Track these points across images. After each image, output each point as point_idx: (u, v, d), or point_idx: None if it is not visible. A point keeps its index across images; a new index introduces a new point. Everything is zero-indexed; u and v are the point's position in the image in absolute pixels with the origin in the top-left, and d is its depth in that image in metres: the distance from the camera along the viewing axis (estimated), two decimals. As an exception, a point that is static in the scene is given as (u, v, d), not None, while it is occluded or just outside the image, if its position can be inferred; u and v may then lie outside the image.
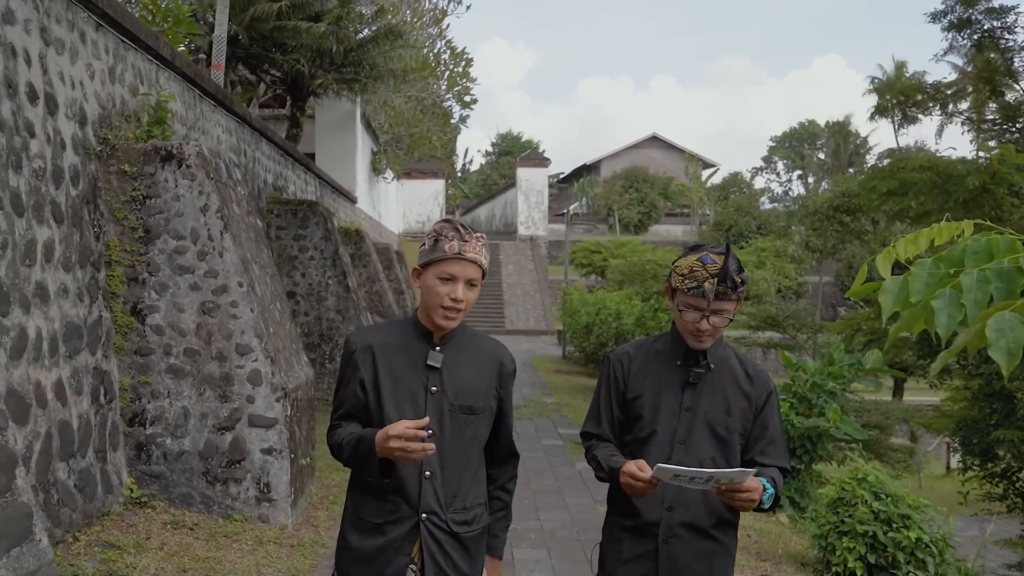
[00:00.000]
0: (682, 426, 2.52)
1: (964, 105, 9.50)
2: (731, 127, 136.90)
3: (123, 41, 6.24)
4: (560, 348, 21.64)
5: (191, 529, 5.38)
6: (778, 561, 5.71)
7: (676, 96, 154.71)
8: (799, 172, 73.22)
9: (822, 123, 67.43)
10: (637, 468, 2.35)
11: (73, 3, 5.38)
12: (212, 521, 5.55)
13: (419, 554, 2.35)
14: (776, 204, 57.38)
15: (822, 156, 67.26)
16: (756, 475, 2.38)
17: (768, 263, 21.01)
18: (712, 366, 2.54)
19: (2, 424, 2.40)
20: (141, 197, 5.71)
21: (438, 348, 2.42)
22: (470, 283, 2.37)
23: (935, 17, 8.97)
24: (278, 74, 17.95)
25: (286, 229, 11.13)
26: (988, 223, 1.70)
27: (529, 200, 33.92)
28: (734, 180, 53.93)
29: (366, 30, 18.62)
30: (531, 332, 24.40)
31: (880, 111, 10.15)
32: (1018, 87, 8.99)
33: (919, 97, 9.48)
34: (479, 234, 2.44)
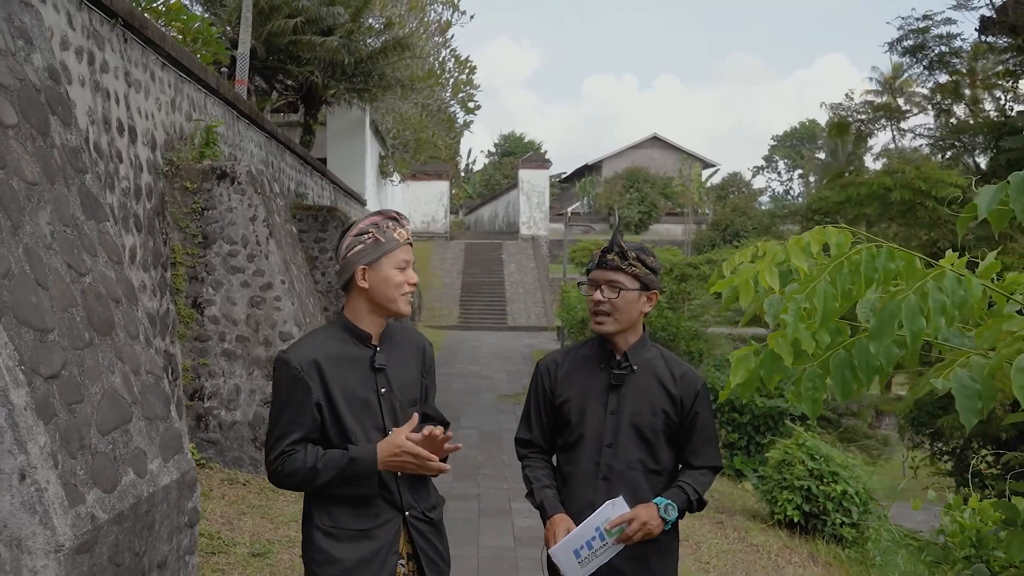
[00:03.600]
0: (608, 429, 2.55)
1: (918, 121, 10.50)
2: (734, 126, 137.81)
3: (180, 75, 7.35)
4: (559, 343, 22.71)
5: (243, 485, 6.49)
6: (732, 514, 6.80)
7: (680, 95, 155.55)
8: (800, 171, 74.00)
9: (823, 122, 68.39)
10: (555, 534, 2.48)
11: (147, 48, 6.49)
12: (261, 479, 6.65)
13: (405, 549, 2.40)
14: (775, 204, 58.24)
15: (822, 156, 68.19)
16: (667, 490, 2.54)
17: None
18: (635, 368, 2.57)
19: (160, 374, 3.48)
20: (200, 209, 6.82)
21: (379, 349, 2.43)
22: (413, 266, 2.44)
23: (892, 45, 10.06)
24: (292, 84, 19.01)
25: (308, 232, 12.23)
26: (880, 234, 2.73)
27: (531, 201, 34.90)
28: (733, 180, 54.87)
29: (375, 42, 19.63)
30: (532, 328, 25.41)
31: (839, 130, 11.16)
32: (966, 105, 10.06)
33: (871, 115, 10.54)
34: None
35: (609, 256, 2.52)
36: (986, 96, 9.57)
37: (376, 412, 2.38)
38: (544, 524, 2.58)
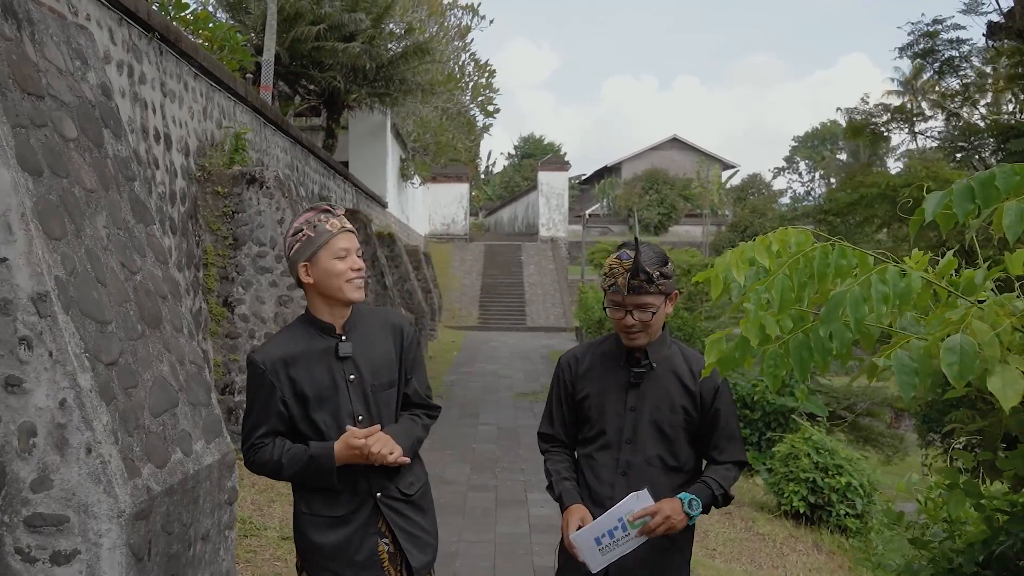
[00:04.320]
0: (628, 426, 2.57)
1: (928, 124, 10.74)
2: (754, 127, 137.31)
3: (211, 84, 7.70)
4: (577, 343, 22.99)
5: (272, 475, 6.81)
6: (741, 505, 7.04)
7: (700, 96, 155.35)
8: (821, 172, 73.67)
9: (844, 123, 68.06)
10: (568, 523, 2.51)
11: (181, 60, 6.84)
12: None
13: (384, 527, 2.48)
14: (798, 205, 58.09)
15: (843, 157, 67.88)
16: (690, 485, 2.55)
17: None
18: (655, 365, 2.58)
19: (201, 364, 3.79)
20: (231, 212, 7.16)
21: (344, 338, 2.47)
22: (358, 252, 2.46)
23: (903, 50, 10.24)
24: (315, 89, 19.40)
25: (331, 234, 12.58)
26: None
27: (550, 203, 35.16)
28: (753, 181, 54.88)
29: (396, 47, 19.98)
30: (551, 329, 25.67)
31: (853, 134, 11.37)
32: (976, 108, 10.22)
33: (885, 118, 10.74)
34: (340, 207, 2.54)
35: (636, 283, 2.46)
36: (992, 100, 9.76)
37: (346, 400, 2.44)
38: (562, 515, 2.59)
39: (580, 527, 2.49)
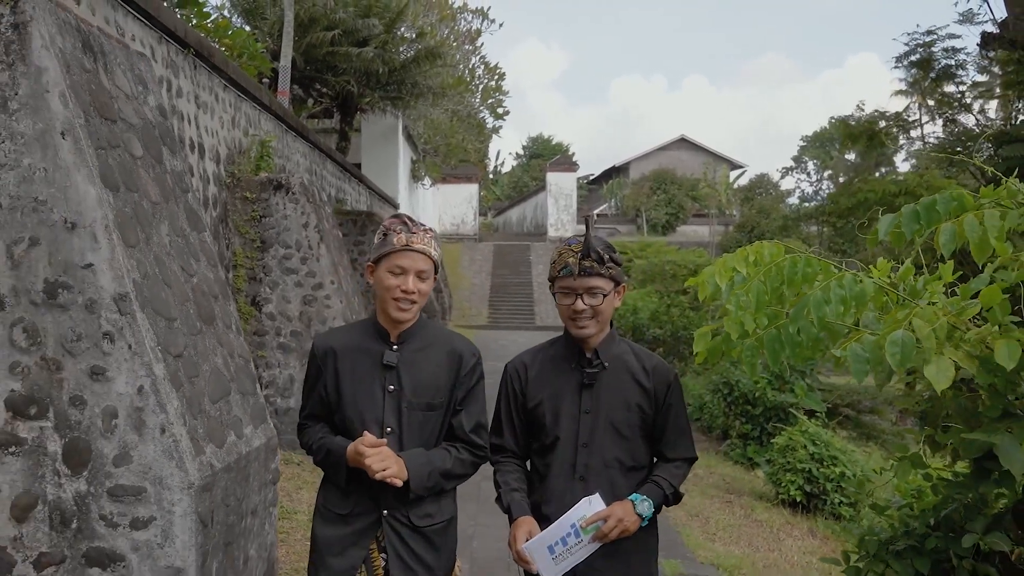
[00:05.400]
0: (584, 429, 2.52)
1: (924, 130, 11.09)
2: (763, 127, 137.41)
3: (239, 95, 8.12)
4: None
5: (298, 464, 7.22)
6: (741, 494, 7.42)
7: (708, 95, 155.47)
8: (829, 172, 73.68)
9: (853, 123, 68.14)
10: (516, 536, 2.45)
11: (212, 73, 7.26)
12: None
13: (382, 545, 2.47)
14: (802, 206, 58.25)
15: (851, 157, 67.97)
16: (642, 486, 2.52)
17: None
18: (606, 364, 2.54)
19: (248, 358, 4.20)
20: (258, 216, 7.58)
21: (395, 347, 2.47)
22: (420, 275, 2.42)
23: (899, 59, 10.63)
24: (329, 92, 19.83)
25: (348, 236, 12.99)
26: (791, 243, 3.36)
27: (558, 203, 35.53)
28: (760, 181, 55.10)
29: (408, 51, 20.39)
30: (560, 328, 25.96)
31: (851, 140, 11.74)
32: (972, 115, 10.56)
33: (883, 125, 11.09)
34: (427, 227, 2.47)
35: (587, 263, 2.45)
36: (999, 105, 10.09)
37: (379, 408, 2.44)
38: (510, 527, 2.53)
39: (529, 539, 2.44)
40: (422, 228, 2.46)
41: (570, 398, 2.55)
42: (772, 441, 7.69)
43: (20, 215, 3.06)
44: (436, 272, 2.50)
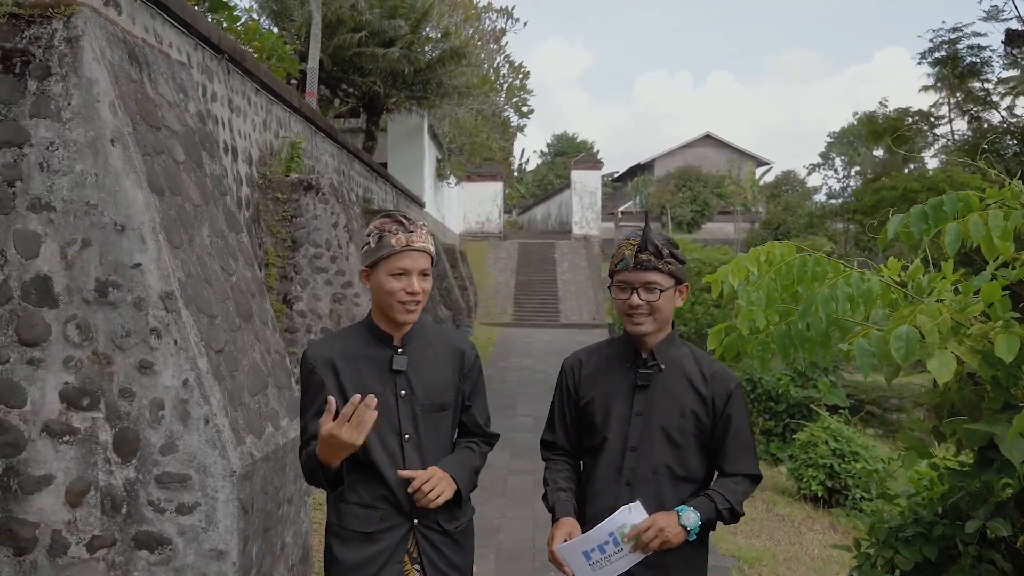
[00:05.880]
0: (634, 432, 2.42)
1: (947, 128, 11.08)
2: (789, 123, 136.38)
3: (270, 98, 8.33)
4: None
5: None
6: (763, 489, 7.51)
7: (734, 92, 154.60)
8: (857, 168, 72.96)
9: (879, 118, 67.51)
10: (554, 536, 2.36)
11: (245, 77, 7.46)
12: (342, 453, 7.59)
13: (417, 554, 2.36)
14: (827, 203, 57.82)
15: (879, 153, 67.38)
16: (695, 497, 2.38)
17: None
18: (663, 367, 2.45)
19: (283, 354, 4.38)
20: (289, 216, 7.78)
21: (400, 350, 2.36)
22: (423, 273, 2.32)
23: (923, 56, 10.60)
24: (355, 93, 20.08)
25: (375, 234, 13.21)
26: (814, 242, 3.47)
27: (583, 201, 35.57)
28: (787, 178, 54.79)
29: (433, 52, 20.58)
30: (584, 326, 26.12)
31: (874, 138, 11.74)
32: (997, 112, 10.55)
33: (907, 121, 11.09)
34: (422, 223, 2.37)
35: (644, 256, 2.36)
36: (1017, 102, 10.12)
37: (393, 415, 2.32)
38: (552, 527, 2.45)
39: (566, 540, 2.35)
40: (419, 226, 2.35)
41: (621, 399, 2.46)
42: (794, 437, 7.76)
43: (73, 218, 3.25)
44: (432, 264, 2.40)
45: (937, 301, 2.60)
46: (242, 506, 3.29)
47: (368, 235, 2.35)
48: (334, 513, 2.37)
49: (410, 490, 2.26)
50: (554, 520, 2.44)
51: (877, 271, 2.87)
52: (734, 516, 2.39)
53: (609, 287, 2.50)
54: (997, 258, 2.43)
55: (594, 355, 2.59)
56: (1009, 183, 2.49)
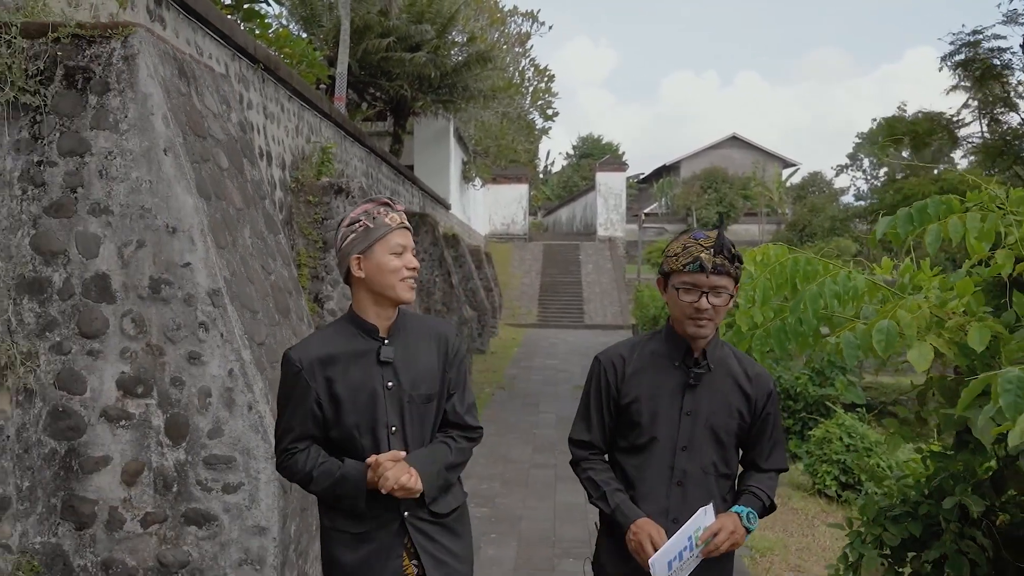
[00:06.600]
0: (684, 432, 2.40)
1: (969, 130, 11.15)
2: (817, 123, 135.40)
3: (302, 104, 8.65)
4: (634, 341, 23.51)
5: (357, 451, 7.71)
6: (779, 484, 7.69)
7: (762, 92, 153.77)
8: (885, 169, 72.28)
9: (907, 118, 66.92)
10: (647, 542, 2.29)
11: (279, 85, 7.78)
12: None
13: (411, 548, 2.35)
14: (851, 205, 57.42)
15: (906, 153, 66.72)
16: (739, 498, 2.44)
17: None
18: (712, 366, 2.43)
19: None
20: (320, 219, 8.08)
21: (387, 341, 2.34)
22: (412, 251, 2.35)
23: (944, 59, 10.72)
24: (383, 96, 20.44)
25: (401, 236, 13.53)
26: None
27: (608, 203, 35.73)
28: (813, 179, 54.55)
29: (459, 56, 20.89)
30: (608, 327, 26.28)
31: (893, 142, 11.81)
32: (1017, 114, 10.61)
33: (927, 126, 11.18)
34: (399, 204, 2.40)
35: (719, 260, 2.30)
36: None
37: (382, 408, 2.30)
38: (628, 531, 2.35)
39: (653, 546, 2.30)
40: (400, 204, 2.40)
41: (670, 398, 2.42)
42: (809, 433, 7.93)
43: (129, 221, 3.55)
44: None
45: (925, 297, 2.81)
46: (282, 486, 3.57)
47: (354, 223, 2.33)
48: (327, 516, 2.37)
49: (370, 475, 2.24)
50: (627, 523, 2.36)
51: (871, 270, 3.10)
52: (771, 508, 2.52)
53: (664, 287, 2.45)
54: (973, 257, 2.65)
55: (636, 351, 2.51)
56: (985, 188, 2.71)
